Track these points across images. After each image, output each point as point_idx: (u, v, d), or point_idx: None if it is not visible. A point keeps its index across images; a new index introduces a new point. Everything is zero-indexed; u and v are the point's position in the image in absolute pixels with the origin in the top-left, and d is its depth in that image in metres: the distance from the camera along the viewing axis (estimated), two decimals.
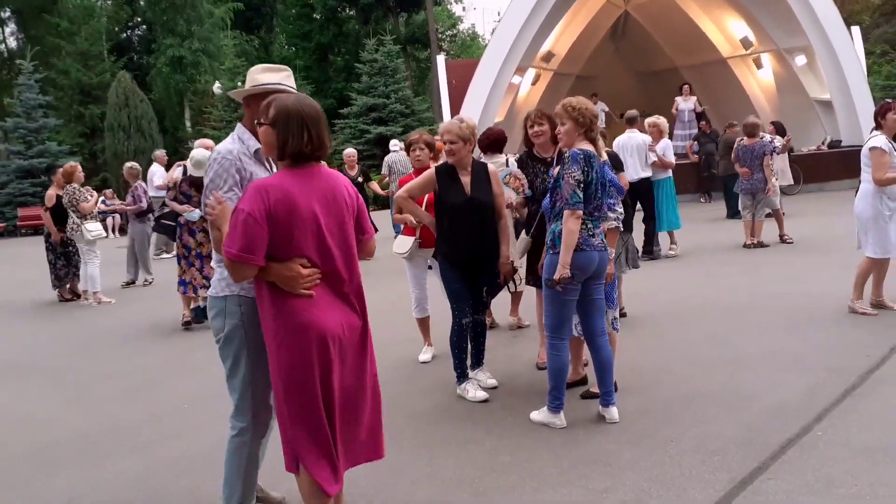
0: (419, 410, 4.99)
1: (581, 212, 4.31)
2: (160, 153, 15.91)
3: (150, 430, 5.00)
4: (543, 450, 4.18)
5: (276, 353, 2.92)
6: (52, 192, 10.41)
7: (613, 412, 4.54)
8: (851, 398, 4.64)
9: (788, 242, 10.49)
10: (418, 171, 5.94)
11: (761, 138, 10.58)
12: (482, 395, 5.07)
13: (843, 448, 3.94)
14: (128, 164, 11.70)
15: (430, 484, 3.88)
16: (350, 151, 13.74)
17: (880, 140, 6.23)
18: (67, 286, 10.73)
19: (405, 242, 5.97)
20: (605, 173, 4.46)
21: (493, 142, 6.20)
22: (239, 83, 26.69)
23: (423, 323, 6.24)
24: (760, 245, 10.33)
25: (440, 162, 5.73)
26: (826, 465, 3.76)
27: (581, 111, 4.42)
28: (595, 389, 4.73)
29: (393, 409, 4.98)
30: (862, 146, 6.56)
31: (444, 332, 6.18)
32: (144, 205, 11.46)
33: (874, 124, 6.44)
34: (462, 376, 5.18)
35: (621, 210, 4.88)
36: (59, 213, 10.27)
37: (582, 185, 4.30)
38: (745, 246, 10.42)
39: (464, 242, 5.05)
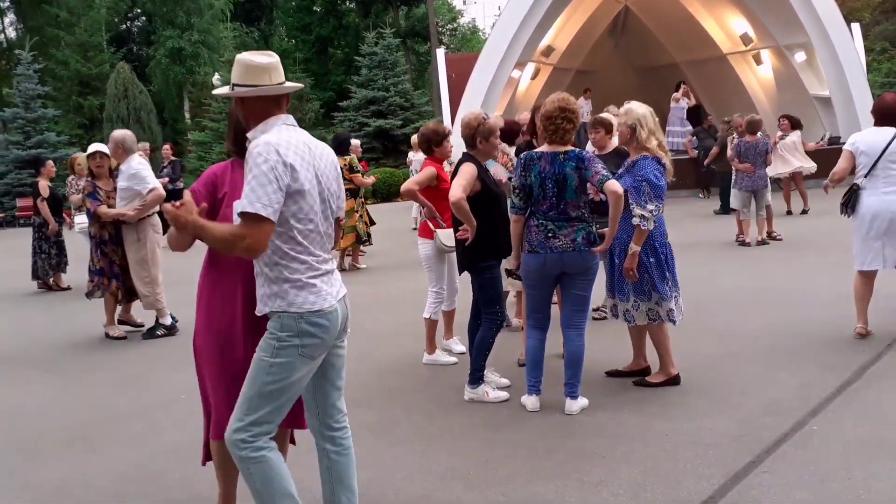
0: (414, 403, 4.98)
1: (517, 216, 4.52)
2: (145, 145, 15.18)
3: (143, 421, 4.97)
4: (538, 442, 4.19)
5: None
6: (44, 183, 10.35)
7: (571, 405, 4.55)
8: (846, 393, 4.65)
9: (778, 239, 10.50)
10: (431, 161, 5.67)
11: (766, 135, 10.56)
12: (504, 395, 4.91)
13: (837, 442, 3.95)
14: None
15: (424, 477, 3.88)
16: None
17: None
18: (51, 278, 10.59)
19: (451, 235, 5.41)
20: (562, 169, 4.36)
21: (504, 133, 5.89)
22: None
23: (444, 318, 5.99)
24: (768, 239, 10.34)
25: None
26: (820, 459, 3.77)
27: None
28: (622, 369, 5.15)
29: (389, 402, 5.00)
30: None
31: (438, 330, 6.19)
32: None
33: (874, 120, 5.88)
34: (480, 379, 4.93)
35: (652, 208, 4.59)
36: (54, 204, 10.34)
37: (518, 191, 4.49)
38: (741, 243, 10.35)
39: (507, 235, 4.82)
